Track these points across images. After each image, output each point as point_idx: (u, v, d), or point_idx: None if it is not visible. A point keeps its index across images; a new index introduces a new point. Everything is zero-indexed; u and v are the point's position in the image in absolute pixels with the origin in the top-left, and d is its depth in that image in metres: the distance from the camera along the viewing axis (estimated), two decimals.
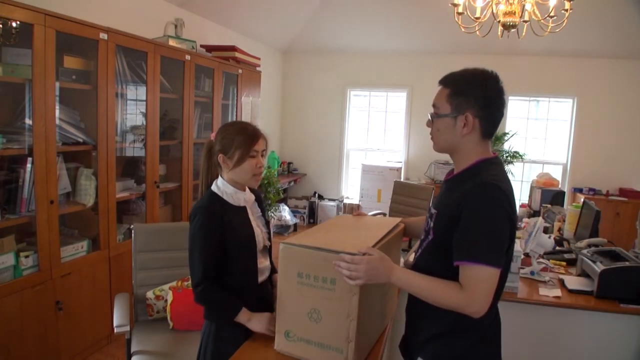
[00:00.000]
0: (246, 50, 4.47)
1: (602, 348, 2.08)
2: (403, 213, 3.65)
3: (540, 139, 5.96)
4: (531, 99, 5.91)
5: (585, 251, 2.37)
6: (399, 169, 5.88)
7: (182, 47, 3.58)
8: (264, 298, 1.68)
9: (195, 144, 3.68)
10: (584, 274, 2.30)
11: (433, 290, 1.21)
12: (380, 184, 5.79)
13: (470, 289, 1.15)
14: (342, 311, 1.25)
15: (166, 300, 2.26)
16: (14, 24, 2.21)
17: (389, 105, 6.44)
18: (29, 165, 2.33)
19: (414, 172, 6.16)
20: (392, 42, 5.88)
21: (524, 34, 3.60)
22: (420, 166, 6.11)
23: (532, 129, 5.97)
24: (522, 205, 4.22)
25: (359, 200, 6.03)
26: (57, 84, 2.46)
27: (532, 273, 2.30)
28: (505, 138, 5.67)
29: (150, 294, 2.29)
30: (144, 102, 3.17)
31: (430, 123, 1.33)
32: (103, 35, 2.69)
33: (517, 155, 5.57)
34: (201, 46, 4.13)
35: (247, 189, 1.68)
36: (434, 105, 1.32)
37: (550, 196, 3.89)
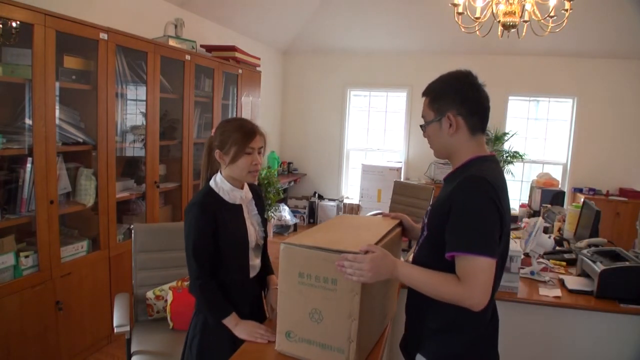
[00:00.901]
0: (246, 50, 4.47)
1: (602, 348, 2.07)
2: (403, 213, 3.65)
3: (540, 139, 5.96)
4: (531, 99, 5.91)
5: (585, 251, 2.37)
6: (399, 169, 5.87)
7: (182, 47, 3.58)
8: (252, 294, 1.71)
9: (195, 144, 3.68)
10: (584, 274, 2.30)
11: (434, 283, 1.21)
12: (380, 184, 5.79)
13: (469, 281, 1.16)
14: (344, 311, 1.25)
15: (166, 300, 2.26)
16: (14, 24, 2.21)
17: (389, 105, 6.44)
18: (29, 165, 2.33)
19: (414, 172, 6.17)
20: (392, 42, 5.88)
21: (524, 34, 3.60)
22: (420, 166, 6.11)
23: (532, 129, 5.97)
24: (522, 205, 4.22)
25: (359, 200, 6.03)
26: (57, 84, 2.46)
27: (532, 273, 2.30)
28: (505, 138, 5.68)
29: (150, 294, 2.29)
30: (144, 102, 3.17)
31: (424, 133, 1.39)
32: (103, 35, 2.69)
33: (517, 155, 5.57)
34: (201, 46, 4.13)
35: (245, 187, 1.70)
36: (422, 117, 1.38)
37: (550, 196, 3.89)
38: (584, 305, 2.04)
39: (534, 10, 3.25)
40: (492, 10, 3.28)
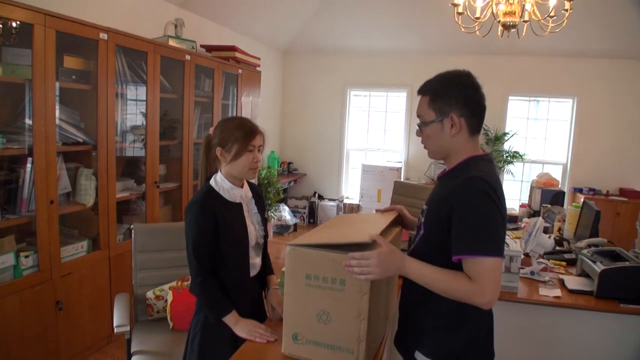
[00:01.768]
0: (246, 50, 4.47)
1: (602, 348, 2.07)
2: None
3: (540, 139, 5.96)
4: (531, 99, 5.91)
5: (585, 251, 2.37)
6: (399, 169, 5.88)
7: (182, 47, 3.57)
8: (252, 293, 1.72)
9: (195, 144, 3.68)
10: (584, 274, 2.30)
11: (445, 280, 1.21)
12: (380, 184, 5.79)
13: (480, 280, 1.16)
14: (353, 311, 1.25)
15: (166, 300, 2.26)
16: (14, 24, 2.21)
17: (389, 105, 6.44)
18: (29, 165, 2.33)
19: (414, 172, 6.17)
20: (392, 42, 5.88)
21: (524, 34, 3.60)
22: (420, 166, 6.11)
23: (532, 129, 5.97)
24: (522, 205, 4.22)
25: (359, 200, 6.03)
26: (57, 84, 2.47)
27: (532, 273, 2.30)
28: (505, 138, 5.68)
29: (150, 294, 2.29)
30: (144, 102, 3.17)
31: (419, 132, 1.37)
32: (103, 35, 2.69)
33: (517, 155, 5.57)
34: (201, 46, 4.13)
35: (245, 185, 1.71)
36: (418, 116, 1.36)
37: (550, 196, 3.89)
38: (584, 305, 2.04)
39: (534, 10, 3.25)
40: (492, 10, 3.28)
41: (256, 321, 1.56)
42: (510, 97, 5.85)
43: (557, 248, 2.78)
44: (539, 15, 3.27)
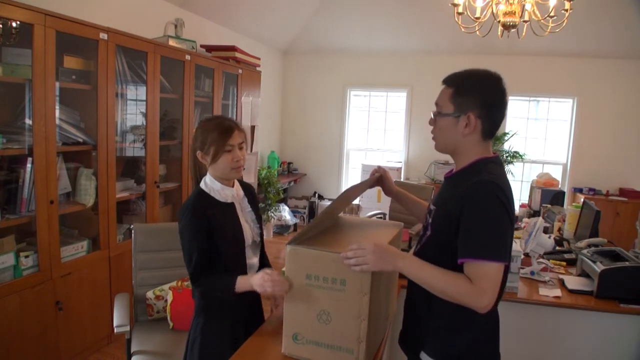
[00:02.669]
0: (246, 50, 4.46)
1: (602, 348, 2.07)
2: (403, 213, 3.64)
3: (540, 139, 5.96)
4: (531, 99, 5.91)
5: (585, 251, 2.37)
6: (399, 169, 5.87)
7: (182, 47, 3.57)
8: (251, 295, 1.67)
9: None
10: (584, 274, 2.30)
11: (442, 279, 1.20)
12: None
13: (478, 283, 1.16)
14: (353, 312, 1.25)
15: (166, 300, 2.26)
16: (14, 24, 2.21)
17: (389, 105, 6.44)
18: (29, 165, 2.33)
19: (414, 172, 6.16)
20: (392, 42, 5.88)
21: (524, 34, 3.60)
22: (420, 166, 6.11)
23: (532, 129, 5.97)
24: (522, 205, 4.22)
25: (359, 200, 6.03)
26: (57, 84, 2.46)
27: (532, 273, 2.30)
28: (505, 138, 5.67)
29: (150, 294, 2.29)
30: (144, 102, 3.17)
31: (432, 121, 1.34)
32: (103, 35, 2.69)
33: (517, 155, 5.57)
34: (201, 46, 4.13)
35: (236, 184, 1.69)
36: (436, 104, 1.33)
37: (550, 196, 3.89)
38: (584, 305, 2.04)
39: (534, 10, 3.25)
40: (492, 10, 3.28)
41: (264, 271, 1.46)
42: (510, 97, 5.79)
43: (557, 248, 2.79)
44: (539, 15, 3.27)
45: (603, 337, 2.07)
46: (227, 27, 4.87)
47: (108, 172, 2.82)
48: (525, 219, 3.11)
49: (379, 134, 6.53)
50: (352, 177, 6.60)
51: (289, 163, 6.56)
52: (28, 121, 2.33)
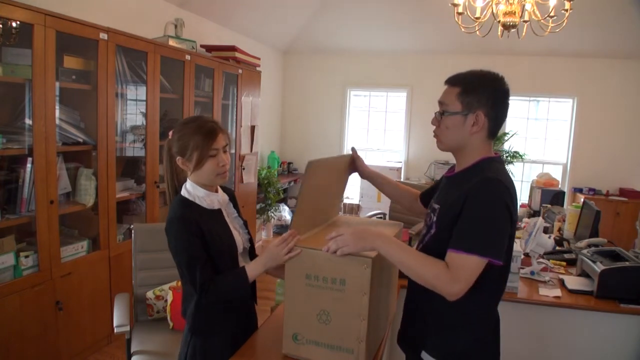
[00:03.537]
0: (246, 50, 4.46)
1: (602, 348, 2.07)
2: (403, 213, 3.64)
3: (540, 139, 5.96)
4: (531, 99, 5.91)
5: (585, 251, 2.37)
6: (399, 169, 5.87)
7: (182, 47, 3.57)
8: (245, 305, 1.62)
9: None
10: (584, 274, 2.30)
11: (420, 261, 1.21)
12: None
13: (455, 272, 1.16)
14: (353, 311, 1.25)
15: (166, 300, 2.26)
16: (14, 24, 2.21)
17: (389, 105, 6.44)
18: (29, 165, 2.33)
19: (414, 172, 6.16)
20: (392, 42, 5.88)
21: (524, 34, 3.60)
22: (420, 166, 6.11)
23: (532, 129, 5.97)
24: (522, 205, 4.22)
25: (359, 201, 6.03)
26: (57, 84, 2.46)
27: (532, 273, 2.30)
28: (505, 138, 5.67)
29: (150, 294, 2.29)
30: (144, 102, 3.17)
31: (436, 121, 1.34)
32: (103, 35, 2.69)
33: (517, 155, 5.57)
34: (201, 46, 4.13)
35: (219, 189, 1.58)
36: (441, 103, 1.33)
37: (550, 196, 3.89)
38: (584, 305, 2.04)
39: (534, 10, 3.25)
40: (492, 10, 3.28)
41: (273, 244, 1.36)
42: (510, 97, 5.83)
43: (557, 248, 2.78)
44: (539, 15, 3.27)
45: (603, 337, 2.07)
46: (227, 27, 4.87)
47: (108, 172, 2.82)
48: (525, 219, 3.11)
49: (379, 134, 6.53)
50: (351, 177, 6.57)
51: (289, 163, 6.55)
52: (28, 121, 2.33)
